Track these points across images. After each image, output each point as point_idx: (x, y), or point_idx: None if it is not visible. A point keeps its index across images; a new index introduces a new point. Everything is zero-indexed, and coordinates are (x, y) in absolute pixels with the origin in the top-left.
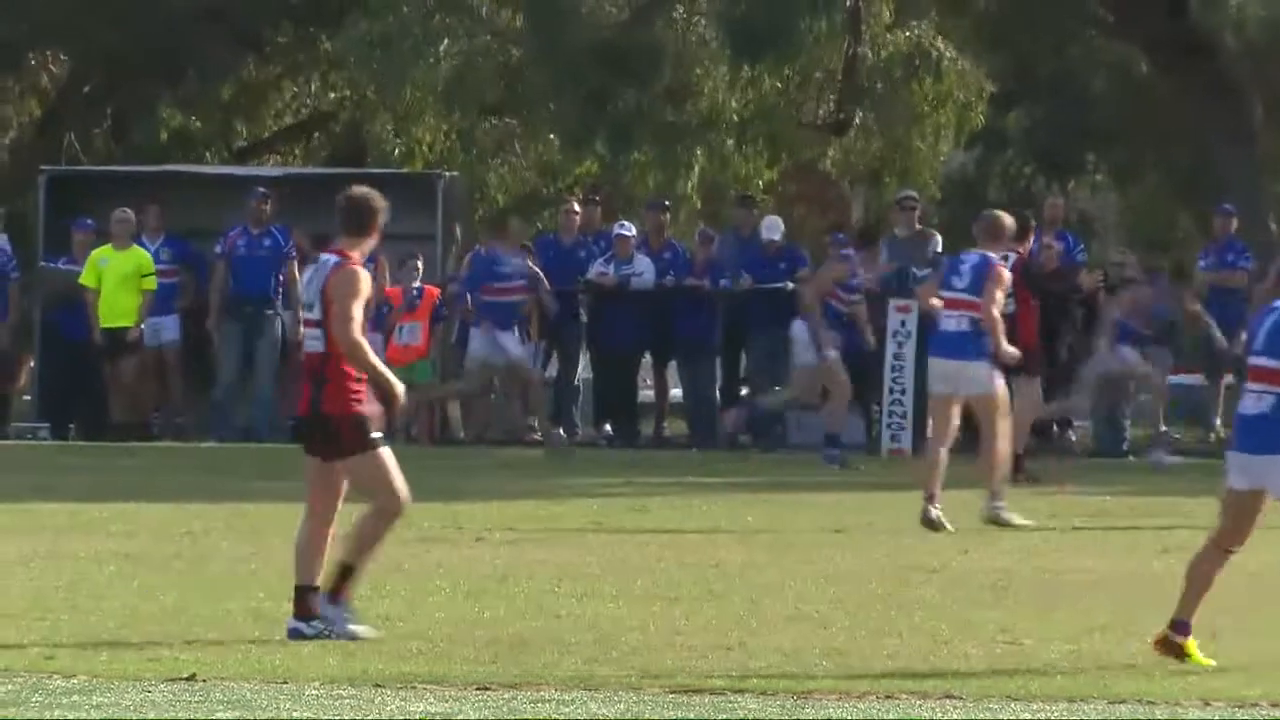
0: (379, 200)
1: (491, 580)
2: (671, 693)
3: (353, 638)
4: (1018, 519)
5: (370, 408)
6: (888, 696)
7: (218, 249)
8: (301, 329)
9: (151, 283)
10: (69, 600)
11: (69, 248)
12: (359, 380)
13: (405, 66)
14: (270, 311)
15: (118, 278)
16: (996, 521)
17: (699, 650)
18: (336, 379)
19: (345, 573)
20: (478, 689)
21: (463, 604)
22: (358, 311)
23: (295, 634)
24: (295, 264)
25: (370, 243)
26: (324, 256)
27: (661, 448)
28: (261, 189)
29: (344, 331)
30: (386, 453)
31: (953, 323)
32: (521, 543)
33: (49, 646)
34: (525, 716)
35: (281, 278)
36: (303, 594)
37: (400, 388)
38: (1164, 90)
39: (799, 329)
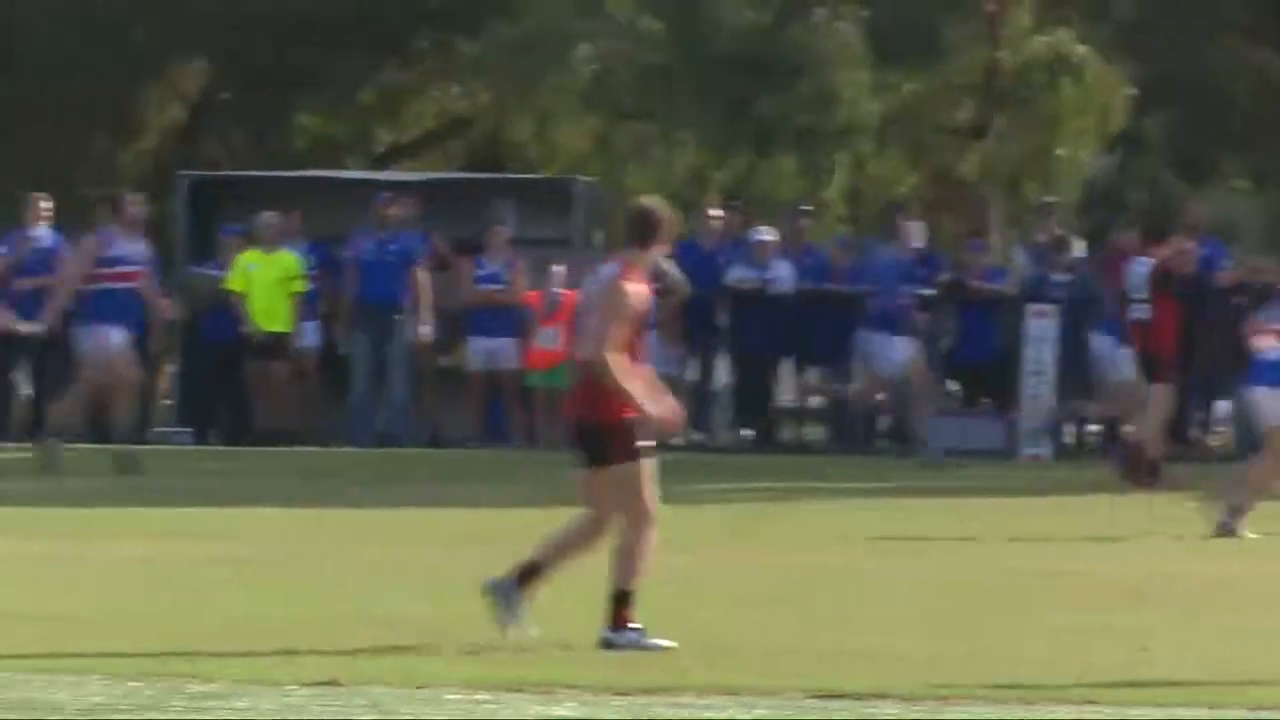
0: (664, 211)
1: None
2: (810, 697)
3: (659, 649)
4: (1248, 533)
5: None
6: (1027, 702)
7: (346, 254)
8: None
9: (301, 285)
10: (208, 605)
11: (209, 252)
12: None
13: (544, 70)
14: (398, 317)
15: (267, 282)
16: (1225, 534)
17: (837, 655)
18: (608, 387)
19: (622, 599)
20: (615, 694)
21: (601, 609)
22: (615, 329)
23: (607, 645)
24: (420, 269)
25: (653, 254)
26: (607, 266)
27: (800, 452)
28: (386, 193)
29: (595, 346)
30: (647, 464)
31: (1275, 354)
32: (660, 547)
33: (189, 651)
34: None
35: (409, 283)
36: (618, 600)
37: (649, 406)
38: None
39: (1102, 343)
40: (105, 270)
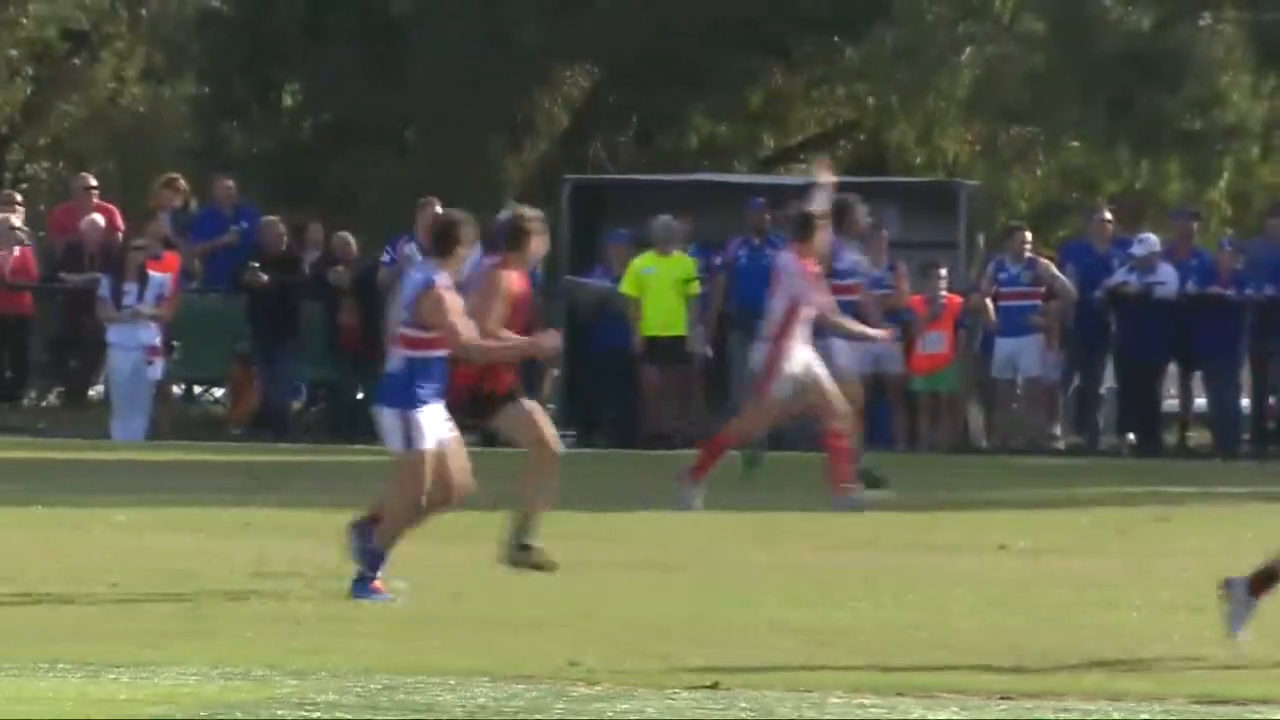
0: None
1: (1014, 589)
2: (1196, 703)
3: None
4: None
5: None
6: None
7: (717, 260)
8: None
9: (696, 288)
10: (591, 607)
11: (592, 256)
12: None
13: (928, 75)
14: None
15: (664, 285)
16: None
17: (1224, 662)
18: None
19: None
20: (1000, 698)
21: (985, 613)
22: None
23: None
24: None
25: None
26: None
27: (1185, 457)
28: (760, 199)
29: None
30: None
31: None
32: (1043, 552)
33: (572, 654)
34: None
35: None
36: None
37: None
38: None
39: None
40: (836, 283)
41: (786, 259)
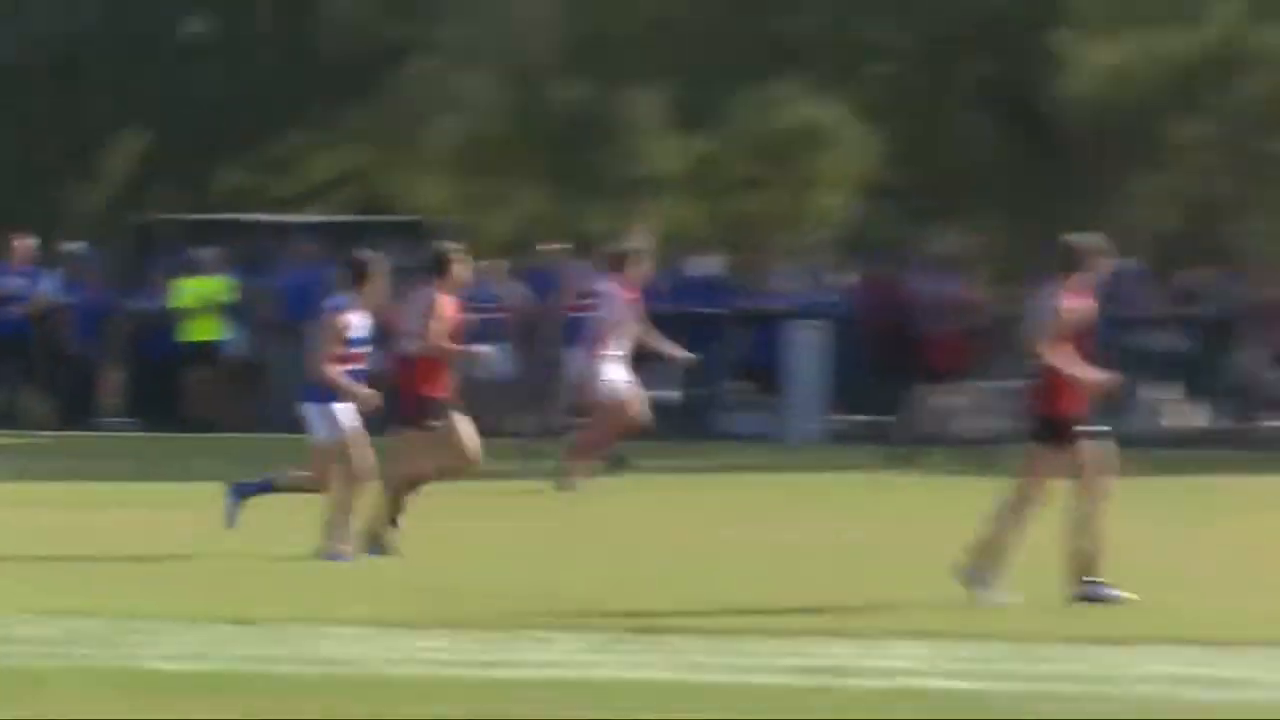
0: None
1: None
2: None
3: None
4: None
5: None
6: None
7: (271, 283)
8: None
9: (226, 299)
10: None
11: (150, 283)
12: None
13: (415, 134)
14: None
15: (205, 301)
16: None
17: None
18: None
19: None
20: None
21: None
22: None
23: None
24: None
25: None
26: None
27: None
28: (305, 236)
29: None
30: None
31: None
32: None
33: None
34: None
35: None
36: None
37: None
38: None
39: None
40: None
41: (609, 286)
